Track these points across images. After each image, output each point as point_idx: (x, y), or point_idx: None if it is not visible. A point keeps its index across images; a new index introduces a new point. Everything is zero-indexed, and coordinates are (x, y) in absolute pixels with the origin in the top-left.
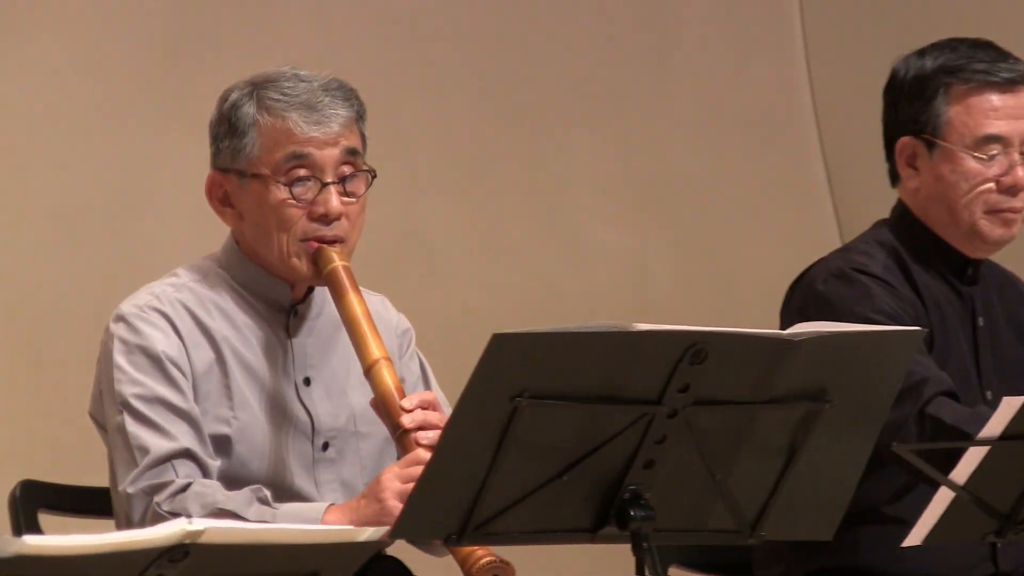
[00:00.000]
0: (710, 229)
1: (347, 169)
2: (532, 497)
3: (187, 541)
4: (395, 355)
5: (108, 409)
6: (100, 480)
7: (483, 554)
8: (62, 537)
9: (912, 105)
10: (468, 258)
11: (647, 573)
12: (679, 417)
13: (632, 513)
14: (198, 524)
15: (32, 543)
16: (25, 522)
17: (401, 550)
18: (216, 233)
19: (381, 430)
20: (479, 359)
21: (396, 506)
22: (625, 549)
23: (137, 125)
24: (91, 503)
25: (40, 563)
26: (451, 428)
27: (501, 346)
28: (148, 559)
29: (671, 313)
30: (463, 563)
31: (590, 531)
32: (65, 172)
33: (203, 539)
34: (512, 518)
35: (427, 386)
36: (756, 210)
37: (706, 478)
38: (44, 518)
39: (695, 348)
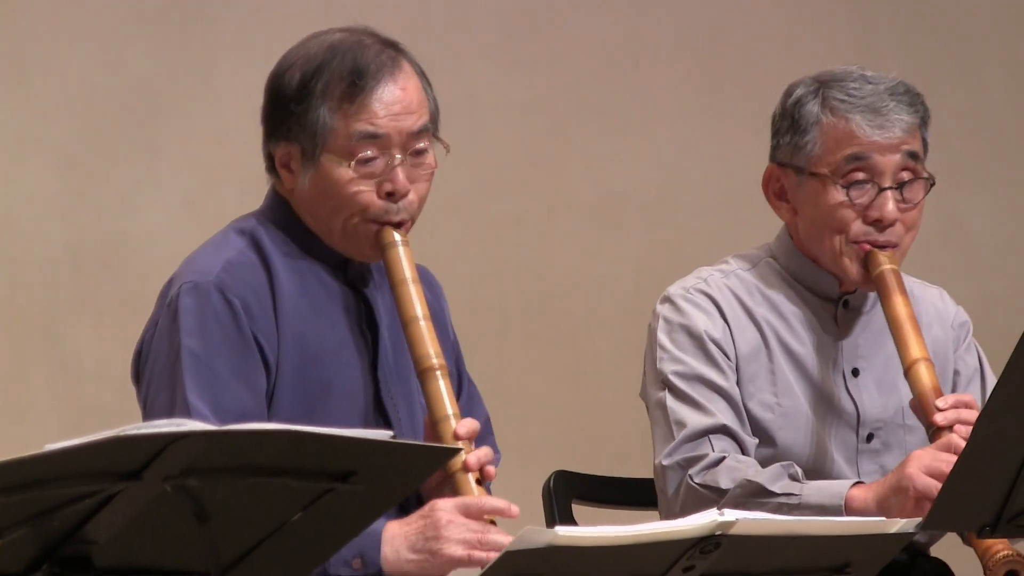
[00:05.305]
0: None
1: (906, 175)
2: None
3: (718, 532)
4: (951, 347)
5: (650, 387)
6: (634, 471)
7: (1001, 547)
8: (593, 528)
9: None
10: (1007, 249)
11: None
12: None
13: None
14: (729, 515)
15: (564, 534)
16: (559, 513)
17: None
18: (748, 226)
19: None
20: (1014, 349)
21: (915, 474)
22: None
23: (673, 118)
24: (625, 494)
25: (571, 554)
26: (985, 419)
27: None
28: (679, 551)
29: None
30: (983, 555)
31: None
32: (601, 165)
33: (734, 530)
34: None
35: (983, 380)
36: None
37: None
38: (578, 509)
39: None
